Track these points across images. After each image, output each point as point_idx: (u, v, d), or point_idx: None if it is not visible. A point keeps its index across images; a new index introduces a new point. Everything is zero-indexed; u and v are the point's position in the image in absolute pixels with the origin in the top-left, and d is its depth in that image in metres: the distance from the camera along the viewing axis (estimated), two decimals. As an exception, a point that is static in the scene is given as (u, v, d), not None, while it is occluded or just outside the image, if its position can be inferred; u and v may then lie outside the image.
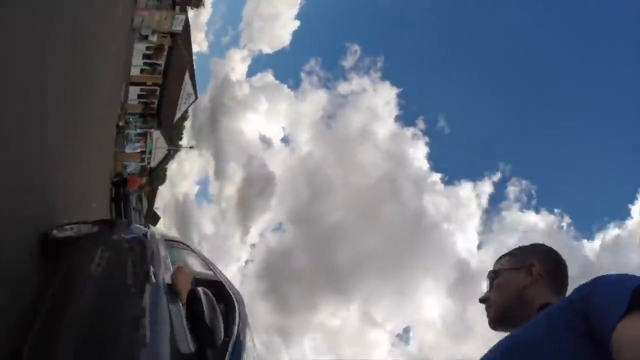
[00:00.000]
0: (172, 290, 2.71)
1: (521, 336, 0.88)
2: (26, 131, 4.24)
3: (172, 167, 44.08)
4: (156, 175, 34.88)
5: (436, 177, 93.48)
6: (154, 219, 28.52)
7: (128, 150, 19.97)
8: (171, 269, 3.17)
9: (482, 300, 1.23)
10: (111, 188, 14.37)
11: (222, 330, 2.38)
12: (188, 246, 4.39)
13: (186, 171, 67.91)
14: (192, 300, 2.44)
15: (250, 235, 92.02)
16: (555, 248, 1.19)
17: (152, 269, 2.86)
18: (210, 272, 3.86)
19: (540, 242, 1.27)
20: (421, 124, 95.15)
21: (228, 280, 3.81)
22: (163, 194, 46.67)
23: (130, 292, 2.61)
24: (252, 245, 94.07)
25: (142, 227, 4.15)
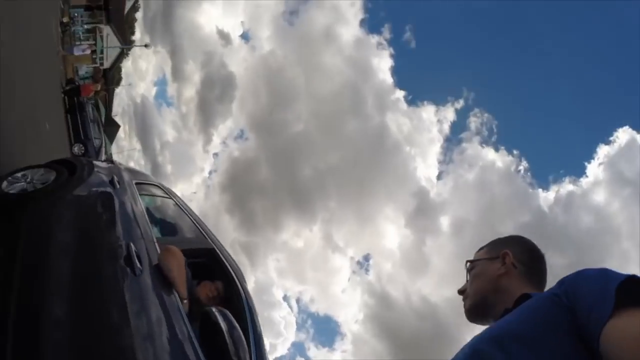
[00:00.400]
0: (162, 278, 2.19)
1: (505, 332, 0.84)
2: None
3: (127, 65, 40.73)
4: (111, 77, 32.03)
5: (400, 94, 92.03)
6: (113, 127, 26.59)
7: (77, 52, 17.49)
8: (154, 239, 2.53)
9: (460, 292, 1.22)
10: (64, 98, 12.74)
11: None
12: (161, 187, 3.65)
13: (142, 70, 63.13)
14: (211, 330, 1.98)
15: (213, 144, 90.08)
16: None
17: (132, 246, 2.24)
18: (198, 232, 3.15)
19: (518, 234, 1.27)
20: (387, 33, 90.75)
21: (219, 243, 3.11)
22: (120, 96, 43.69)
23: (109, 287, 2.02)
24: (215, 155, 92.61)
25: (106, 167, 3.41)
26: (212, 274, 2.76)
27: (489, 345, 0.82)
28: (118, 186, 2.99)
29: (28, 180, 3.12)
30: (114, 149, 28.71)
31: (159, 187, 3.67)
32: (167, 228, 3.22)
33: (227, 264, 2.87)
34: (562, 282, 0.86)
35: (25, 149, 4.99)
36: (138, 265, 2.11)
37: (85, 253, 2.18)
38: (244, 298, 2.62)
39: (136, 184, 3.27)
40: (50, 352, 1.65)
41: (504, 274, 1.13)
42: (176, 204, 3.48)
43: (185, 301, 2.19)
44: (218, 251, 2.97)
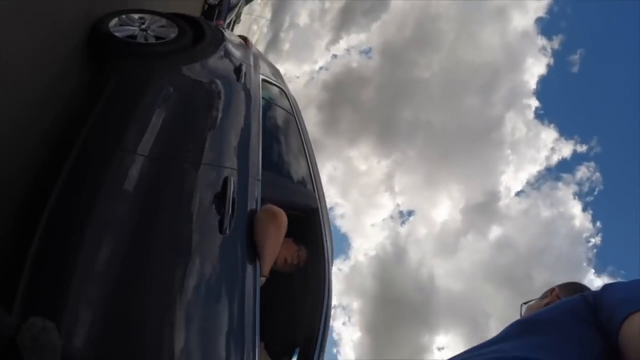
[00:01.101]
0: (250, 239, 1.80)
1: (534, 316, 0.93)
2: None
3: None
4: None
5: (534, 103, 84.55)
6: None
7: None
8: (259, 175, 1.99)
9: None
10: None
11: None
12: (287, 97, 2.87)
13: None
14: None
15: (338, 46, 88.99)
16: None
17: (231, 184, 1.80)
18: (308, 179, 2.51)
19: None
20: (556, 43, 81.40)
21: (325, 204, 2.52)
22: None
23: (176, 212, 1.73)
24: (334, 56, 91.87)
25: (238, 45, 2.85)
26: (299, 233, 2.20)
27: (517, 326, 0.88)
28: (243, 79, 2.39)
29: (143, 27, 2.60)
30: (245, 9, 28.74)
31: (285, 94, 2.87)
32: (275, 160, 2.44)
33: (324, 234, 2.30)
34: (589, 291, 0.92)
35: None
36: (229, 213, 1.72)
37: (169, 154, 1.78)
38: (327, 282, 2.13)
39: (262, 80, 2.63)
40: (75, 241, 1.48)
41: (549, 302, 1.23)
42: (298, 127, 2.70)
43: (263, 278, 1.83)
44: (320, 215, 2.35)
